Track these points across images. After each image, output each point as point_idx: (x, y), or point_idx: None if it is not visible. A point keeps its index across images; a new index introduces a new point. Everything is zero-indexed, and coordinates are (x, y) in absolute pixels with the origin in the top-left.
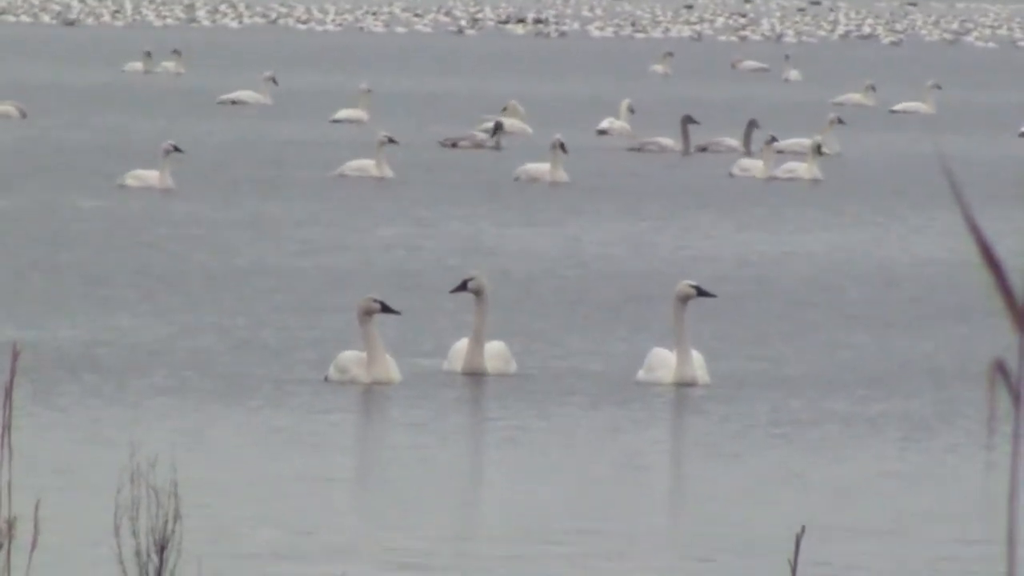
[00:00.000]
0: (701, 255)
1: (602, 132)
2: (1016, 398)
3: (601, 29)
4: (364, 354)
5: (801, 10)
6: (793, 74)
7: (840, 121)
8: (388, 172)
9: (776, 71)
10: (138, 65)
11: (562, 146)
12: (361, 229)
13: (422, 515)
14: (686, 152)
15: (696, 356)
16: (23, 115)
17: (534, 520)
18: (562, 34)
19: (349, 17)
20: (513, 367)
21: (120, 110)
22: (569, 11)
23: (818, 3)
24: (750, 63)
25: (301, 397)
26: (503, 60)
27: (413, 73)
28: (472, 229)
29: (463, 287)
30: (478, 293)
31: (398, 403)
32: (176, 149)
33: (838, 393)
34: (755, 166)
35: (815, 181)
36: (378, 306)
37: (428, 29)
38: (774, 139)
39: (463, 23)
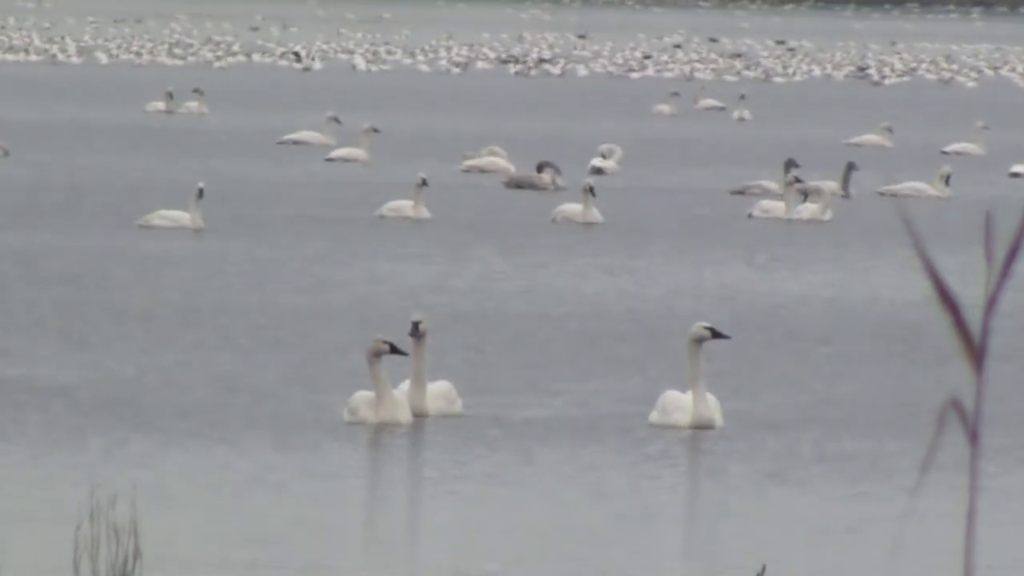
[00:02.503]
0: (714, 295)
1: (598, 171)
2: (972, 436)
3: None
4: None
5: (791, 50)
6: (745, 114)
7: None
8: (424, 213)
9: (729, 110)
10: (160, 105)
11: (591, 188)
12: (386, 269)
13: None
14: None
15: (711, 398)
16: (5, 153)
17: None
18: (562, 73)
19: (340, 55)
20: (459, 407)
21: (156, 150)
22: (559, 51)
23: (783, 42)
24: (708, 101)
25: (301, 438)
26: (503, 99)
27: (409, 111)
28: (499, 270)
29: (416, 331)
30: (422, 336)
31: (399, 446)
32: (201, 192)
33: (852, 434)
34: (776, 207)
35: (825, 222)
36: (387, 347)
37: (426, 68)
38: (798, 180)
39: (458, 62)
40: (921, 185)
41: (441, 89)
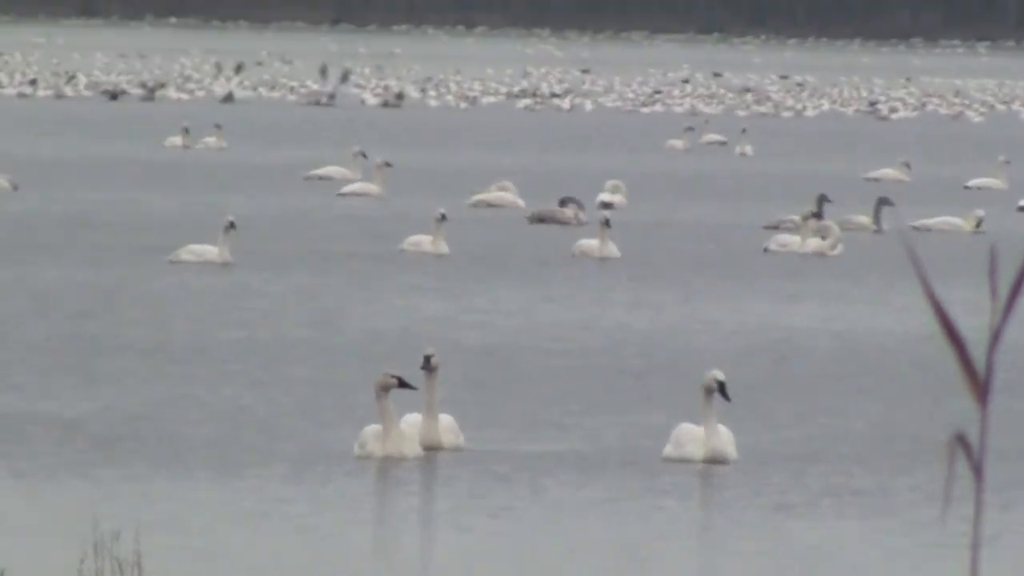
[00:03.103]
0: (729, 329)
1: (607, 205)
2: (976, 470)
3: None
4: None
5: (799, 84)
6: (747, 148)
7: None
8: (444, 248)
9: (731, 145)
10: (177, 140)
11: (607, 222)
12: (403, 303)
13: None
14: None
15: (724, 431)
16: (14, 188)
17: None
18: (570, 108)
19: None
20: (462, 440)
21: (177, 185)
22: (567, 85)
23: (787, 77)
24: (711, 136)
25: (310, 472)
26: (514, 134)
27: (418, 146)
28: (514, 304)
29: (428, 364)
30: (434, 370)
31: (406, 480)
32: (232, 225)
33: (864, 468)
34: (792, 242)
35: (849, 256)
36: (395, 382)
37: (434, 103)
38: (815, 215)
39: (467, 96)
40: (954, 220)
41: (450, 124)
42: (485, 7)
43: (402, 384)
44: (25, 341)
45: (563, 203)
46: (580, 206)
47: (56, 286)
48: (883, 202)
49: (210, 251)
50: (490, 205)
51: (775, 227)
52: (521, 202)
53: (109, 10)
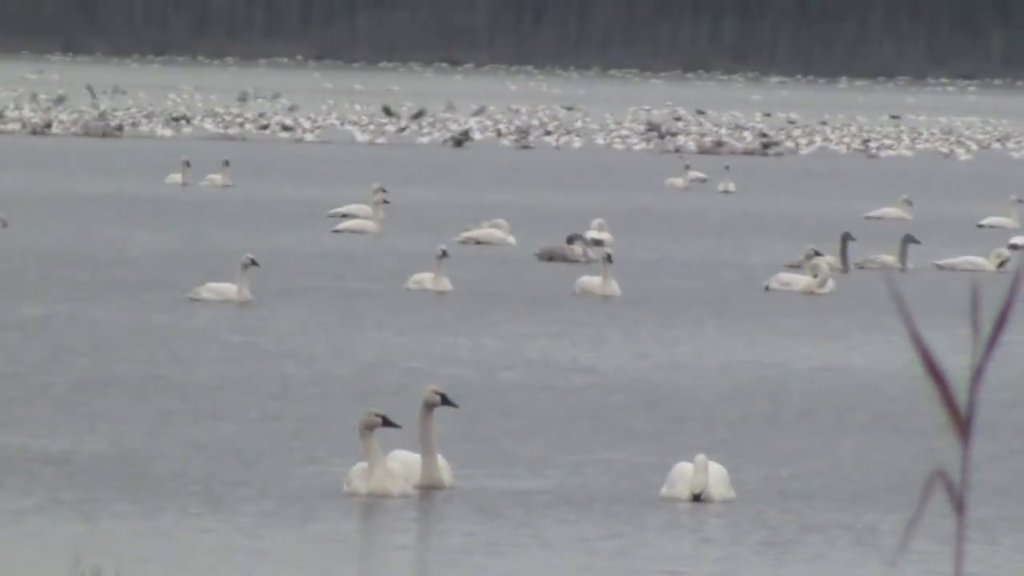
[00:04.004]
0: (725, 367)
1: (597, 242)
2: (958, 507)
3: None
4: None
5: (791, 122)
6: (730, 186)
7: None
8: (446, 285)
9: (713, 182)
10: (177, 177)
11: (608, 257)
12: (400, 340)
13: None
14: (845, 269)
15: (718, 470)
16: (4, 225)
17: None
18: (558, 146)
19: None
20: (451, 479)
21: (194, 223)
22: (557, 123)
23: (769, 115)
24: (694, 173)
25: (296, 509)
26: (505, 171)
27: (411, 184)
28: (513, 342)
29: (446, 401)
30: (432, 407)
31: (387, 518)
32: (253, 262)
33: (857, 505)
34: (795, 280)
35: (819, 295)
36: (379, 420)
37: (425, 140)
38: (817, 253)
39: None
40: (977, 259)
41: (442, 161)
42: (467, 44)
43: (386, 423)
44: (34, 381)
45: (571, 240)
46: (588, 243)
47: (50, 323)
48: (908, 240)
49: (229, 289)
50: (479, 242)
51: (796, 266)
52: (512, 239)
53: (92, 47)
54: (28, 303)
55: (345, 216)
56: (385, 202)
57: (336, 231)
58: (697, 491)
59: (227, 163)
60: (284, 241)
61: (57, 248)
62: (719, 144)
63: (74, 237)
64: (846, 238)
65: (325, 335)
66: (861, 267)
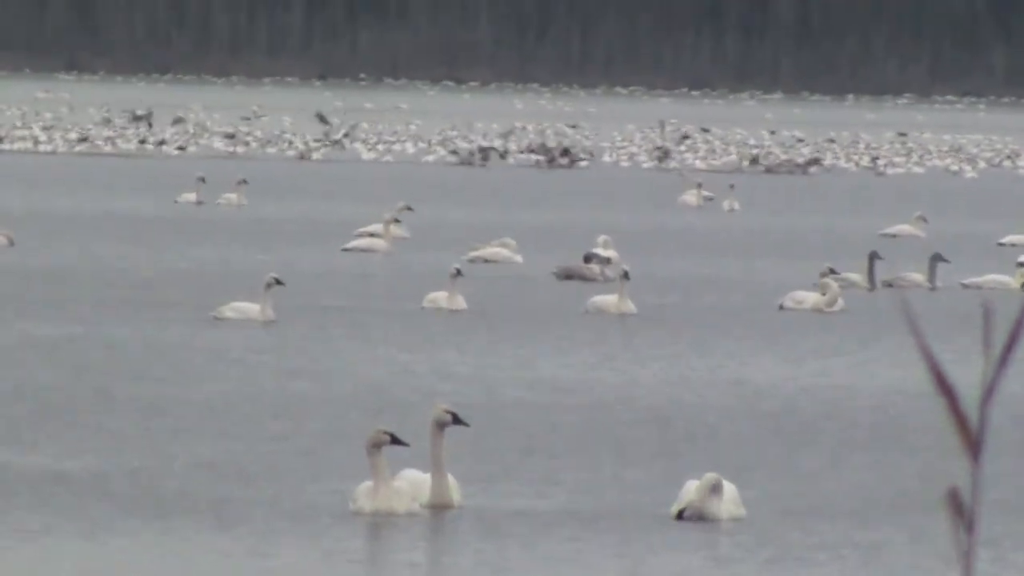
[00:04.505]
0: (738, 384)
1: (606, 260)
2: (968, 525)
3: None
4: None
5: (800, 140)
6: (735, 204)
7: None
8: (460, 303)
9: (719, 200)
10: (191, 196)
11: (626, 274)
12: (410, 358)
13: None
14: (871, 287)
15: (729, 488)
16: (10, 243)
17: None
18: (585, 163)
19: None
20: (460, 498)
21: (214, 241)
22: (567, 141)
23: (775, 133)
24: (705, 192)
25: (302, 527)
26: (527, 190)
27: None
28: (525, 360)
29: (457, 420)
30: (443, 425)
31: (392, 536)
32: (278, 282)
33: (874, 523)
34: (809, 298)
35: (835, 313)
36: (387, 438)
37: (431, 158)
38: (832, 271)
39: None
40: (1004, 278)
41: (452, 180)
42: (470, 62)
43: (395, 440)
44: (45, 400)
45: (588, 259)
46: (605, 262)
47: (65, 341)
48: (937, 259)
49: (252, 309)
50: (486, 261)
51: (889, 284)
52: (519, 258)
53: (96, 66)
54: (38, 322)
55: (373, 235)
56: (396, 221)
57: (346, 249)
58: (680, 508)
59: (244, 182)
60: (300, 259)
61: (65, 267)
62: (811, 163)
63: (85, 256)
64: (873, 256)
65: (340, 354)
66: (889, 285)
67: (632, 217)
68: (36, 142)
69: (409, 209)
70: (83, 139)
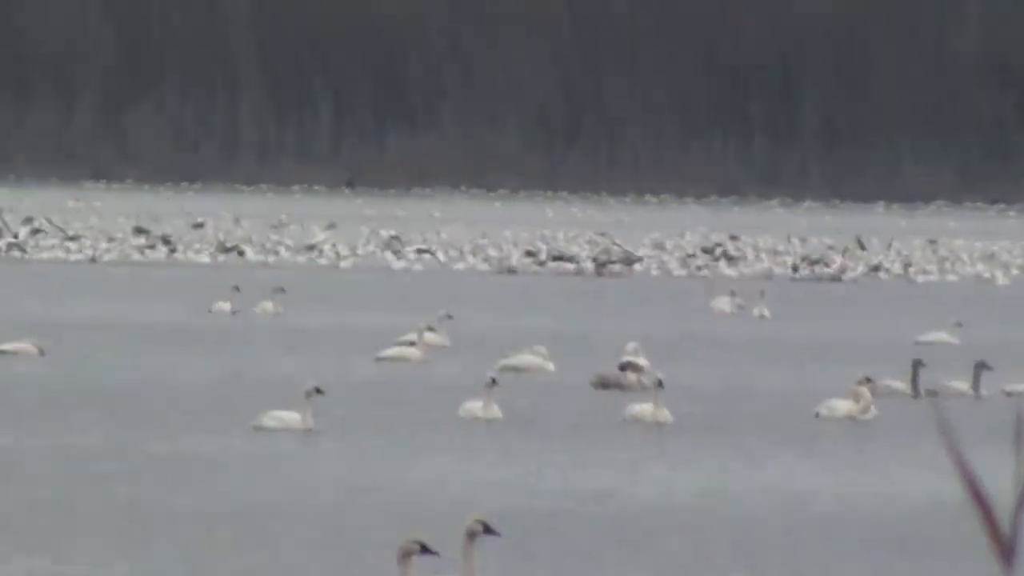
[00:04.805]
0: (766, 492)
1: (637, 368)
2: None
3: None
4: None
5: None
6: (765, 311)
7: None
8: (495, 413)
9: (749, 307)
10: (225, 305)
11: (660, 383)
12: (445, 469)
13: None
14: (915, 395)
15: None
16: (41, 353)
17: None
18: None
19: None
20: None
21: (240, 351)
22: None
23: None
24: (738, 300)
25: None
26: (550, 298)
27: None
28: (558, 470)
29: (488, 530)
30: (475, 535)
31: None
32: (318, 391)
33: None
34: (845, 406)
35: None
36: (417, 547)
37: (461, 267)
38: (869, 380)
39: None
40: None
41: (484, 288)
42: (498, 168)
43: (424, 550)
44: (76, 510)
45: (623, 368)
46: (642, 371)
47: (103, 453)
48: (981, 367)
49: (293, 418)
50: (517, 370)
51: (934, 393)
52: (551, 366)
53: (123, 174)
54: (71, 433)
55: (413, 344)
56: (432, 329)
57: (380, 358)
58: None
59: (281, 290)
60: (335, 368)
61: (97, 377)
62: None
63: (117, 365)
64: (917, 364)
65: (378, 463)
66: (934, 393)
67: (663, 324)
68: (68, 251)
69: (449, 317)
70: (112, 247)
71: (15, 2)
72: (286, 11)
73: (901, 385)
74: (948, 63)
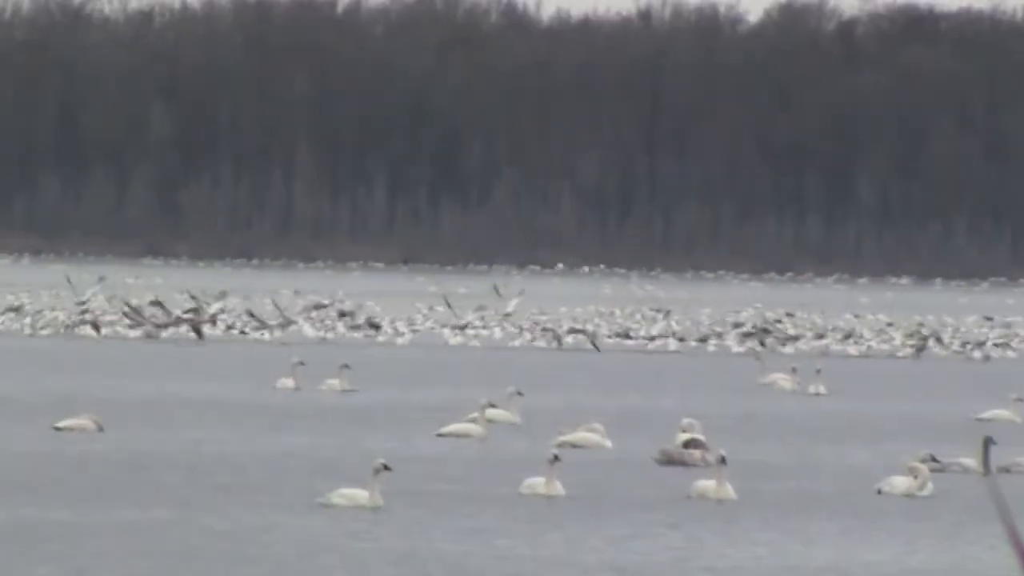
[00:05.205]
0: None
1: (699, 444)
2: None
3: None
4: None
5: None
6: (820, 388)
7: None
8: (558, 489)
9: (804, 384)
10: (289, 382)
11: (723, 459)
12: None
13: None
14: (986, 472)
15: None
16: (100, 428)
17: None
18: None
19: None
20: None
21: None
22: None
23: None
24: (776, 375)
25: None
26: (607, 375)
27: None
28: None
29: None
30: None
31: None
32: (386, 467)
33: None
34: (906, 484)
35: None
36: None
37: (517, 343)
38: (933, 458)
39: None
40: None
41: (538, 364)
42: (552, 245)
43: None
44: None
45: (687, 445)
46: (706, 448)
47: (173, 528)
48: (989, 441)
49: (361, 495)
50: (575, 446)
51: (940, 470)
52: (608, 443)
53: (177, 251)
54: (133, 508)
55: (473, 420)
56: (493, 405)
57: (441, 435)
58: None
59: (347, 366)
60: (397, 445)
61: (158, 453)
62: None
63: (178, 441)
64: (988, 442)
65: (443, 540)
66: (1007, 471)
67: (716, 400)
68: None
69: (519, 394)
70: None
71: (73, 82)
72: (341, 91)
73: (972, 463)
74: (1000, 142)
